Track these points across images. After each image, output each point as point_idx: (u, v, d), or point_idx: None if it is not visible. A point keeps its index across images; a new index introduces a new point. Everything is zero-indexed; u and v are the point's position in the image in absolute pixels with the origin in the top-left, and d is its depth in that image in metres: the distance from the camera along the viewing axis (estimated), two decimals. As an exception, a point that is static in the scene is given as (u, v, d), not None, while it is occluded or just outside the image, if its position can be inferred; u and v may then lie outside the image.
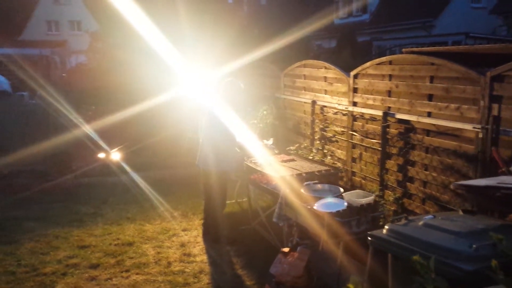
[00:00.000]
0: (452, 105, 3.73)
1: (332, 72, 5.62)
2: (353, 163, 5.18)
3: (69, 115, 7.15)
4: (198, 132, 4.87)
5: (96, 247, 4.55)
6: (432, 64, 3.96)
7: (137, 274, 4.01)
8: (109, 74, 8.27)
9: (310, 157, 5.47)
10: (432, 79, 3.97)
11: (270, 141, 5.75)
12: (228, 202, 5.03)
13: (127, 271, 4.08)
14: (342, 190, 4.06)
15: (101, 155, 6.46)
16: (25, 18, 28.80)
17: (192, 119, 5.48)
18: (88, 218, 5.38)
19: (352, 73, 5.14)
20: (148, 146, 7.15)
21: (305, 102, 6.30)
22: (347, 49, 13.68)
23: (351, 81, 5.16)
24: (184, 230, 5.00)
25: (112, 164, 6.55)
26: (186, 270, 4.09)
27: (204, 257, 4.35)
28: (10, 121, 6.99)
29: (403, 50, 5.89)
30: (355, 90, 5.12)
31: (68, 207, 5.73)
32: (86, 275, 4.00)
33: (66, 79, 10.40)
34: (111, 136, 6.76)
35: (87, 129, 6.90)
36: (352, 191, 3.93)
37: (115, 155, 6.35)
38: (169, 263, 4.21)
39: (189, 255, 4.39)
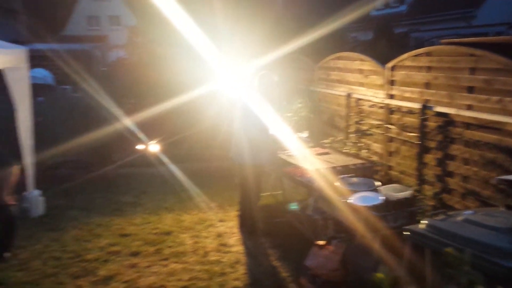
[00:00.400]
0: (494, 98, 3.63)
1: (368, 64, 5.56)
2: (390, 157, 5.12)
3: (110, 108, 7.38)
4: (233, 125, 4.94)
5: (136, 236, 4.73)
6: (472, 55, 3.86)
7: (175, 262, 4.15)
8: (147, 68, 8.46)
9: (345, 151, 5.44)
10: (472, 70, 3.86)
11: (305, 134, 5.76)
12: (262, 194, 5.09)
13: (165, 259, 4.22)
14: (378, 184, 4.03)
15: (140, 146, 6.66)
16: (67, 14, 29.81)
17: (227, 112, 5.56)
18: (128, 208, 5.58)
19: (389, 65, 5.07)
20: (185, 139, 7.31)
21: (340, 95, 6.26)
22: (384, 41, 13.39)
23: (387, 73, 5.09)
24: (220, 221, 5.10)
25: (150, 155, 6.74)
26: (223, 260, 4.19)
27: (240, 248, 4.44)
28: (55, 114, 7.28)
29: (442, 41, 5.75)
30: (391, 83, 5.05)
31: (109, 197, 5.96)
32: (127, 262, 4.17)
33: (107, 73, 10.73)
34: (150, 129, 6.95)
35: (127, 121, 7.11)
36: (389, 185, 3.91)
37: (153, 147, 6.53)
38: (206, 253, 4.32)
39: (225, 245, 4.49)
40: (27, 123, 5.18)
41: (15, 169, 4.48)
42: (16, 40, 8.66)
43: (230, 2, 9.88)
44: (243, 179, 4.77)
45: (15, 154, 4.84)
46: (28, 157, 5.17)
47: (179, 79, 7.86)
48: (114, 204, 5.72)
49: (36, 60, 5.52)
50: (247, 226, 4.78)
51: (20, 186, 4.97)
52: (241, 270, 4.01)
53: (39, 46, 12.13)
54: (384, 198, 3.61)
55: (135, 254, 4.33)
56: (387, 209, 3.56)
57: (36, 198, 5.28)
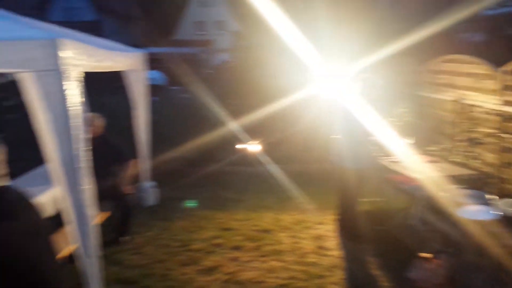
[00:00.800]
0: None
1: (480, 68, 5.17)
2: (505, 169, 4.72)
3: (215, 109, 7.80)
4: (333, 128, 4.93)
5: (237, 231, 4.95)
6: None
7: (274, 260, 4.27)
8: (250, 72, 8.77)
9: (453, 160, 5.13)
10: None
11: (410, 140, 5.54)
12: (362, 200, 5.01)
13: (264, 256, 4.36)
14: (492, 197, 3.76)
15: (242, 146, 6.94)
16: (177, 20, 31.95)
17: (327, 115, 5.56)
18: (230, 203, 5.87)
19: (505, 68, 4.67)
20: (285, 140, 7.45)
21: (447, 100, 5.91)
22: (497, 43, 12.31)
23: (503, 77, 4.69)
24: (318, 223, 5.13)
25: (251, 155, 6.99)
26: (320, 262, 4.21)
27: (338, 252, 4.42)
28: (166, 113, 7.89)
29: None
30: (508, 88, 4.65)
31: (213, 192, 6.33)
32: (229, 255, 4.39)
33: (212, 76, 11.32)
34: (251, 129, 7.21)
35: (230, 122, 7.46)
36: (505, 200, 3.62)
37: (255, 147, 6.76)
38: (304, 254, 4.38)
39: (323, 248, 4.51)
40: (144, 121, 5.70)
41: (133, 162, 4.97)
42: (133, 44, 9.53)
43: (332, 5, 9.83)
44: (343, 183, 4.74)
45: (133, 149, 5.37)
46: (145, 152, 5.69)
47: (280, 82, 8.03)
48: (218, 199, 6.04)
49: (149, 62, 6.05)
50: (345, 231, 4.74)
51: (137, 178, 5.49)
52: (339, 274, 4.00)
53: (152, 49, 13.19)
54: (500, 213, 3.36)
55: (236, 248, 4.54)
56: (503, 225, 3.31)
57: (150, 190, 5.79)
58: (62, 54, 2.98)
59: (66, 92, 3.03)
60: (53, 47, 2.96)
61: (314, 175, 6.69)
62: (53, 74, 2.99)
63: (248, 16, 10.10)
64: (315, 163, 6.88)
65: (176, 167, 6.98)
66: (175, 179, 6.56)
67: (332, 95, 5.62)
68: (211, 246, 4.58)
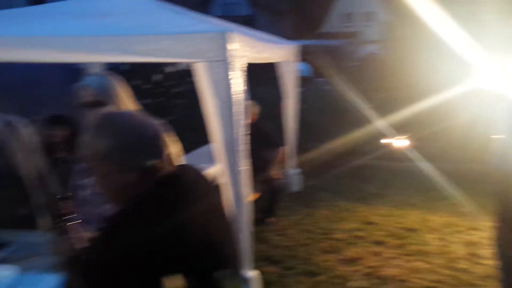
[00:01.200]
0: None
1: None
2: None
3: (360, 102, 7.70)
4: (495, 127, 4.45)
5: (379, 226, 4.87)
6: None
7: (419, 261, 4.09)
8: (399, 64, 8.42)
9: None
10: None
11: None
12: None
13: (408, 255, 4.21)
14: None
15: (388, 141, 6.75)
16: (326, 12, 31.90)
17: (487, 112, 5.05)
18: (372, 198, 5.78)
19: None
20: (436, 137, 7.00)
21: None
22: None
23: None
24: (471, 229, 4.75)
25: (397, 150, 6.75)
26: (472, 270, 3.92)
27: (494, 263, 4.03)
28: (311, 105, 8.07)
29: None
30: None
31: (355, 185, 6.29)
32: (370, 249, 4.35)
33: (357, 68, 11.14)
34: (399, 124, 6.95)
35: (376, 116, 7.29)
36: None
37: (401, 142, 6.51)
38: (453, 259, 4.12)
39: (476, 255, 4.17)
40: (292, 110, 5.93)
41: (281, 149, 5.23)
42: (283, 37, 9.92)
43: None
44: (505, 188, 4.27)
45: (281, 136, 5.64)
46: (292, 140, 5.92)
47: (433, 75, 7.55)
48: (359, 192, 5.99)
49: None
50: (505, 240, 4.27)
51: (284, 164, 5.76)
52: (494, 286, 3.66)
53: (300, 42, 13.52)
54: None
55: (378, 243, 4.47)
56: None
57: (295, 176, 6.02)
58: (229, 46, 3.25)
59: (232, 81, 3.31)
60: (222, 40, 3.24)
61: (468, 175, 6.14)
62: (221, 65, 3.28)
63: (400, 6, 9.66)
64: (470, 163, 6.32)
65: (320, 157, 7.08)
66: (318, 168, 6.68)
67: (497, 90, 5.08)
68: (353, 238, 4.59)
